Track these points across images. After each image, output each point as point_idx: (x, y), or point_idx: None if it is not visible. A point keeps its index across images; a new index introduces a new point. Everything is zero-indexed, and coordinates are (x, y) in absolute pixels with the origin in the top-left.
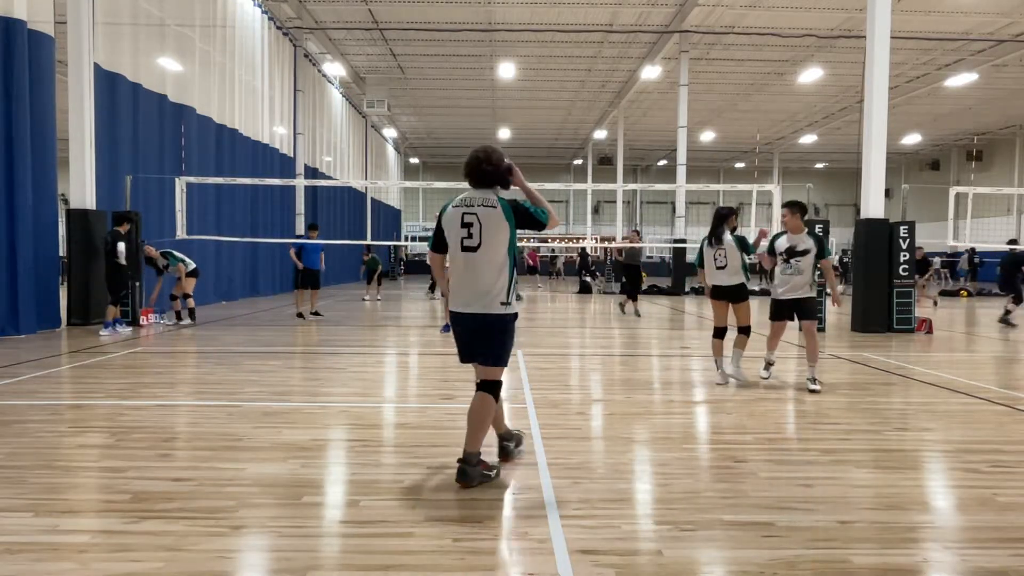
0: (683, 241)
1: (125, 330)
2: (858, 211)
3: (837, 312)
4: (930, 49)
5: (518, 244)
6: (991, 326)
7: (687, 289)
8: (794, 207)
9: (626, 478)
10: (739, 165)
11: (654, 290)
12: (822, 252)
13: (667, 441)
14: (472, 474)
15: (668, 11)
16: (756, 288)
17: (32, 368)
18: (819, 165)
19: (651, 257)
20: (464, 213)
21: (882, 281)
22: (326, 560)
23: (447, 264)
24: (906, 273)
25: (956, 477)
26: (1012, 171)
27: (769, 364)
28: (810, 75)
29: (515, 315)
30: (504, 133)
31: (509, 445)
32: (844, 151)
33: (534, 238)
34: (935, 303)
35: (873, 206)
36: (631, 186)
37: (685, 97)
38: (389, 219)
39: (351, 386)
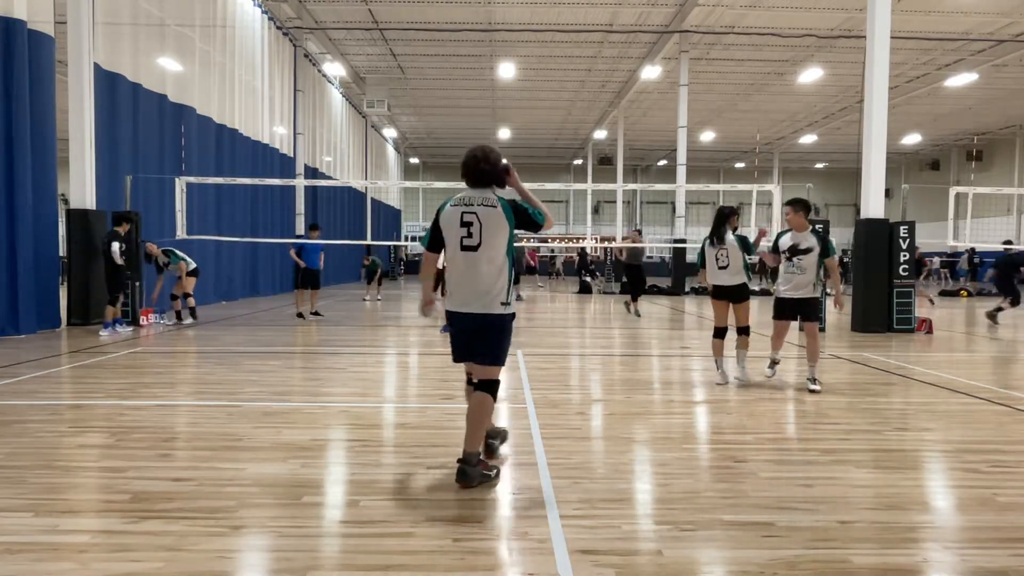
0: (683, 241)
1: (125, 330)
2: (858, 211)
3: (837, 312)
4: (930, 49)
5: (517, 244)
6: (990, 326)
7: (687, 289)
8: (797, 205)
9: (626, 478)
10: (739, 165)
11: (654, 290)
12: (826, 250)
13: (667, 441)
14: (472, 474)
15: (668, 11)
16: (756, 288)
17: (32, 368)
18: (819, 165)
19: (651, 257)
20: (464, 212)
21: (882, 281)
22: (326, 560)
23: (440, 264)
24: (906, 273)
25: (956, 477)
26: (1012, 171)
27: (774, 363)
28: (810, 75)
29: (513, 315)
30: (504, 133)
31: (494, 442)
32: (844, 151)
33: (534, 238)
34: (931, 301)
35: (873, 206)
36: (631, 186)
37: (685, 97)
38: (389, 219)
39: (351, 386)
